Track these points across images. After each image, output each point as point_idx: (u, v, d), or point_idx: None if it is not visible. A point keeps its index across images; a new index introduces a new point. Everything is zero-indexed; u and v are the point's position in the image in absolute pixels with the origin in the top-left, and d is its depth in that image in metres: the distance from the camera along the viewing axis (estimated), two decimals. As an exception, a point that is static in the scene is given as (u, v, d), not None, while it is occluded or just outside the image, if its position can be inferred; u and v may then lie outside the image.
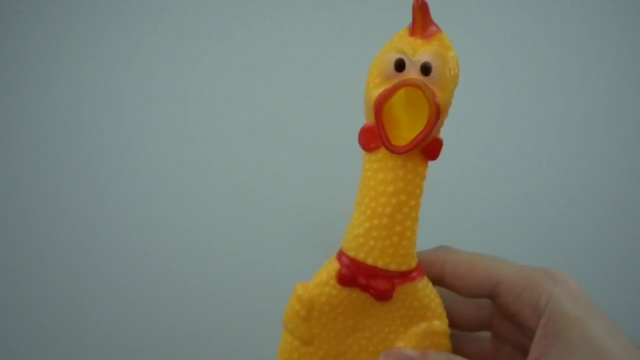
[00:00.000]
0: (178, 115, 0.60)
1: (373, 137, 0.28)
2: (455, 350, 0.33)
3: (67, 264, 0.58)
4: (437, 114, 0.27)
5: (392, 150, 0.28)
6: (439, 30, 0.28)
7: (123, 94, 0.59)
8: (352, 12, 0.60)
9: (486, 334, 0.35)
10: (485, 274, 0.31)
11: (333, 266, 0.30)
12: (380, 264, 0.29)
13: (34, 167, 0.58)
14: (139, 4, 0.59)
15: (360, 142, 0.29)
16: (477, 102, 0.62)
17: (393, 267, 0.29)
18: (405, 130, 0.29)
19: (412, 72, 0.27)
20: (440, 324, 0.31)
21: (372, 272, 0.29)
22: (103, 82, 0.59)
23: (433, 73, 0.27)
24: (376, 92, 0.28)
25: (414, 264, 0.30)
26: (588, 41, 0.64)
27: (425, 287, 0.30)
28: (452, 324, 0.33)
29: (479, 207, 0.62)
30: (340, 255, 0.30)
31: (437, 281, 0.32)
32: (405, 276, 0.30)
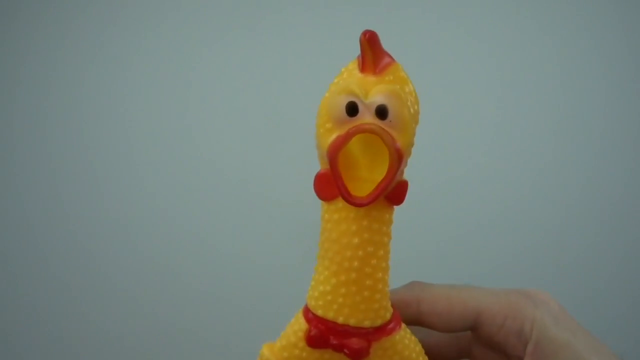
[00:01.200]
0: (178, 116, 0.60)
1: (330, 186, 0.25)
2: None
3: (67, 264, 0.59)
4: (399, 160, 0.24)
5: (353, 203, 0.25)
6: (392, 61, 0.25)
7: (123, 94, 0.60)
8: (352, 12, 0.60)
9: None
10: (464, 307, 0.30)
11: (300, 326, 0.27)
12: (352, 322, 0.27)
13: (34, 167, 0.59)
14: (138, 4, 0.59)
15: (315, 190, 0.26)
16: (477, 102, 0.61)
17: (367, 323, 0.27)
18: (365, 169, 0.26)
19: (366, 116, 0.24)
20: (423, 375, 0.29)
21: (345, 331, 0.27)
22: (103, 82, 0.59)
23: (390, 116, 0.24)
24: (329, 139, 0.25)
25: (388, 315, 0.27)
26: (588, 41, 0.64)
27: (403, 338, 0.28)
28: (431, 357, 0.31)
29: (480, 207, 0.62)
30: (307, 312, 0.27)
31: (414, 321, 0.30)
32: (381, 331, 0.27)
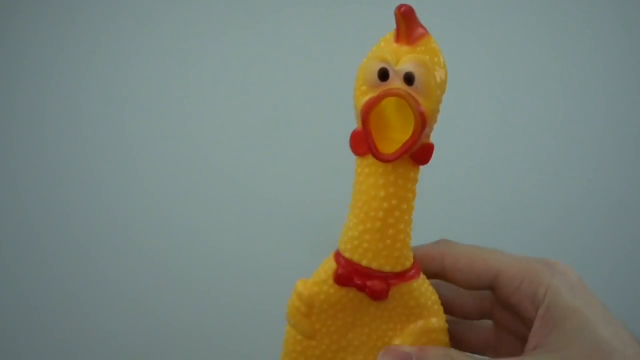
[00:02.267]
0: (178, 116, 0.60)
1: (363, 142, 0.29)
2: (458, 338, 0.34)
3: (67, 264, 0.59)
4: (422, 123, 0.27)
5: (380, 158, 0.28)
6: (425, 33, 0.27)
7: (123, 94, 0.59)
8: (352, 12, 0.59)
9: (488, 323, 0.35)
10: (485, 266, 0.32)
11: (330, 265, 0.31)
12: (374, 265, 0.30)
13: (34, 167, 0.59)
14: (138, 4, 0.59)
15: (351, 146, 0.29)
16: (477, 102, 0.61)
17: (387, 268, 0.30)
18: (397, 131, 0.29)
19: (396, 81, 0.27)
20: (437, 320, 0.31)
21: (367, 273, 0.30)
22: (103, 82, 0.59)
23: (416, 82, 0.26)
24: (362, 100, 0.28)
25: (408, 264, 0.30)
26: (588, 41, 0.63)
27: (420, 286, 0.31)
28: (455, 313, 0.34)
29: (480, 205, 0.63)
30: (337, 255, 0.31)
31: (438, 275, 0.33)
32: (400, 277, 0.30)
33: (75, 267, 0.60)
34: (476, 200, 0.63)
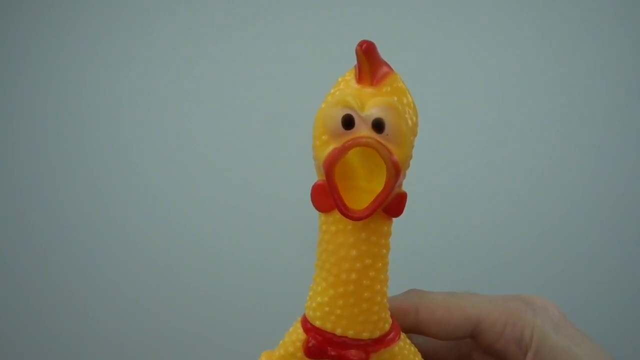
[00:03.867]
0: (178, 116, 0.60)
1: (327, 197, 0.25)
2: None
3: (67, 264, 0.59)
4: (396, 174, 0.23)
5: (349, 217, 0.24)
6: (390, 71, 0.24)
7: (123, 94, 0.60)
8: (352, 12, 0.59)
9: None
10: (463, 315, 0.29)
11: (298, 336, 0.27)
12: (350, 333, 0.26)
13: (34, 168, 0.59)
14: (138, 5, 0.59)
15: (313, 201, 0.26)
16: (477, 101, 0.61)
17: (365, 335, 0.27)
18: (363, 179, 0.26)
19: (362, 129, 0.23)
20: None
21: (343, 343, 0.27)
22: (103, 82, 0.59)
23: (387, 130, 0.23)
24: (325, 151, 0.24)
25: (387, 327, 0.27)
26: (587, 41, 0.63)
27: (402, 349, 0.28)
28: None
29: (479, 207, 0.62)
30: (305, 322, 0.27)
31: (413, 329, 0.30)
32: (379, 342, 0.27)
33: (75, 267, 0.59)
34: (476, 201, 0.62)
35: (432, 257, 0.60)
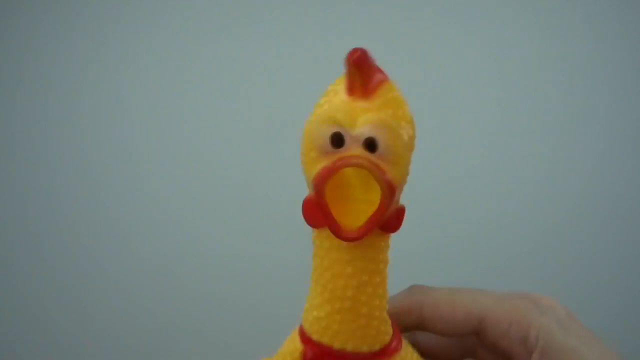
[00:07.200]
0: (178, 116, 0.60)
1: (319, 213, 0.23)
2: None
3: (68, 264, 0.59)
4: (391, 194, 0.22)
5: (342, 237, 0.23)
6: (383, 79, 0.22)
7: (121, 94, 0.59)
8: (352, 12, 0.58)
9: None
10: (468, 312, 0.28)
11: (296, 346, 0.26)
12: (349, 347, 0.25)
13: (34, 168, 0.59)
14: (137, 4, 0.59)
15: (305, 217, 0.24)
16: (476, 101, 0.61)
17: (365, 348, 0.26)
18: (358, 189, 0.24)
19: (353, 147, 0.21)
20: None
21: (342, 356, 0.26)
22: (103, 82, 0.59)
23: (380, 149, 0.21)
24: (314, 169, 0.22)
25: (387, 338, 0.26)
26: (587, 41, 0.62)
27: (404, 359, 0.27)
28: (436, 357, 0.31)
29: (479, 207, 0.61)
30: (303, 334, 0.26)
31: (417, 326, 0.29)
32: (380, 355, 0.26)
33: (75, 267, 0.60)
34: (476, 200, 0.62)
35: (432, 257, 0.60)
